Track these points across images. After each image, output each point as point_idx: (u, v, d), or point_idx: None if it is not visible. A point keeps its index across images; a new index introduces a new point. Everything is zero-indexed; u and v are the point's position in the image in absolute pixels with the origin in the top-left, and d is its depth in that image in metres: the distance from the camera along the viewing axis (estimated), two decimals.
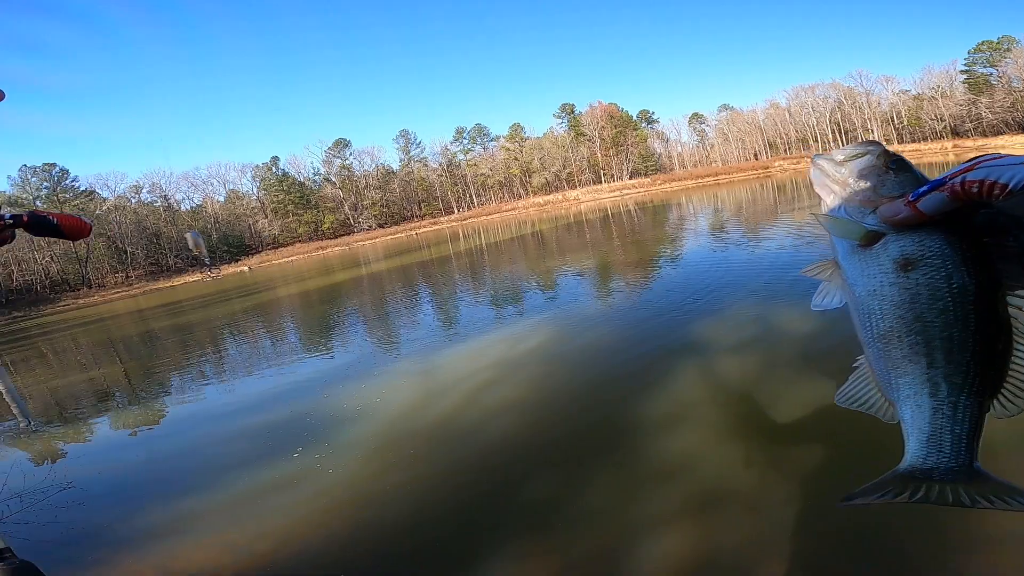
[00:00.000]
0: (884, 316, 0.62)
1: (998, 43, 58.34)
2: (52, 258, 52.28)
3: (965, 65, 62.06)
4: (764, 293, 7.34)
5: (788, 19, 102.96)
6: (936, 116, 63.24)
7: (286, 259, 53.72)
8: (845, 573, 2.48)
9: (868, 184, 0.63)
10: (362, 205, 68.84)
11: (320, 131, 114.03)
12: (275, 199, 66.71)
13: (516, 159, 72.63)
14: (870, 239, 0.61)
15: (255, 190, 69.08)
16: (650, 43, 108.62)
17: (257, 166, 69.37)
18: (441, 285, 15.71)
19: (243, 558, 3.50)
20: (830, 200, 0.66)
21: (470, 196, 73.11)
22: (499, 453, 4.39)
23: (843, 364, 0.81)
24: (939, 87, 63.56)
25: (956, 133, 60.71)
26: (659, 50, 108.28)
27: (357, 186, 69.59)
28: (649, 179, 63.99)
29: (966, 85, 61.54)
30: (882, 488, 0.65)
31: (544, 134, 75.64)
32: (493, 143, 75.82)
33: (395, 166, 73.87)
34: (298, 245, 61.75)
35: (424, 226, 61.94)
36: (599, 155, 72.03)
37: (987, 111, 58.72)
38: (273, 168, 69.04)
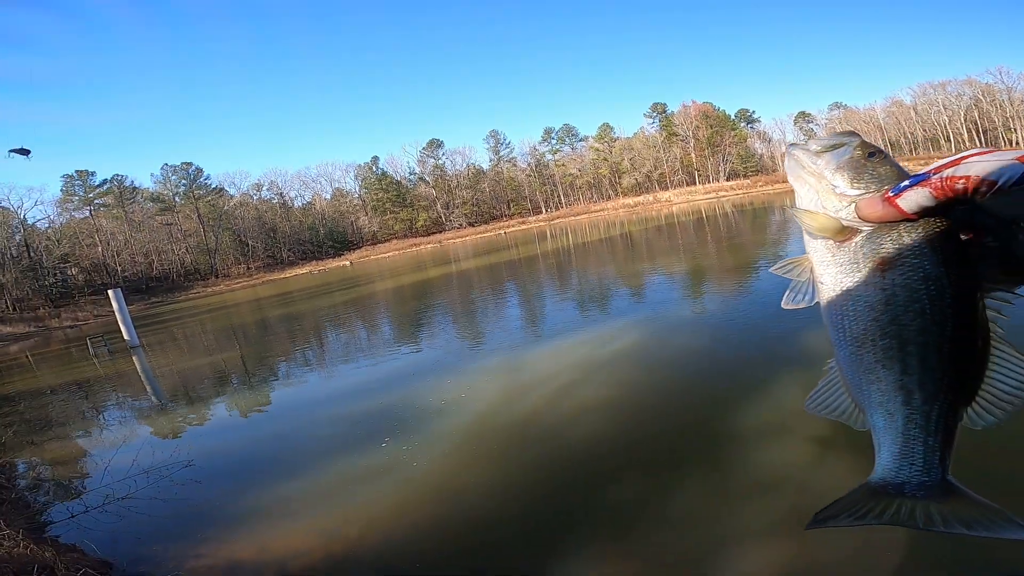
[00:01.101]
0: (858, 318, 0.59)
1: None
2: (187, 249, 58.88)
3: None
4: None
5: (902, 13, 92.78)
6: None
7: (383, 255, 56.75)
8: None
9: (845, 177, 0.60)
10: (453, 204, 71.06)
11: (416, 131, 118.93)
12: (375, 197, 70.72)
13: (605, 159, 71.46)
14: (846, 235, 0.59)
15: (357, 188, 73.73)
16: (748, 39, 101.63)
17: (359, 165, 74.19)
18: (528, 284, 15.80)
19: (332, 542, 3.69)
20: (804, 193, 0.63)
21: (558, 196, 72.99)
22: (582, 452, 4.32)
23: None
24: None
25: None
26: (758, 46, 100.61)
27: (449, 185, 71.96)
28: (749, 181, 60.27)
29: None
30: (852, 505, 0.62)
31: (634, 134, 73.73)
32: (581, 143, 75.23)
33: (485, 166, 75.62)
34: (394, 241, 65.02)
35: (512, 225, 62.75)
36: (693, 156, 68.98)
37: None
38: (373, 167, 73.36)
